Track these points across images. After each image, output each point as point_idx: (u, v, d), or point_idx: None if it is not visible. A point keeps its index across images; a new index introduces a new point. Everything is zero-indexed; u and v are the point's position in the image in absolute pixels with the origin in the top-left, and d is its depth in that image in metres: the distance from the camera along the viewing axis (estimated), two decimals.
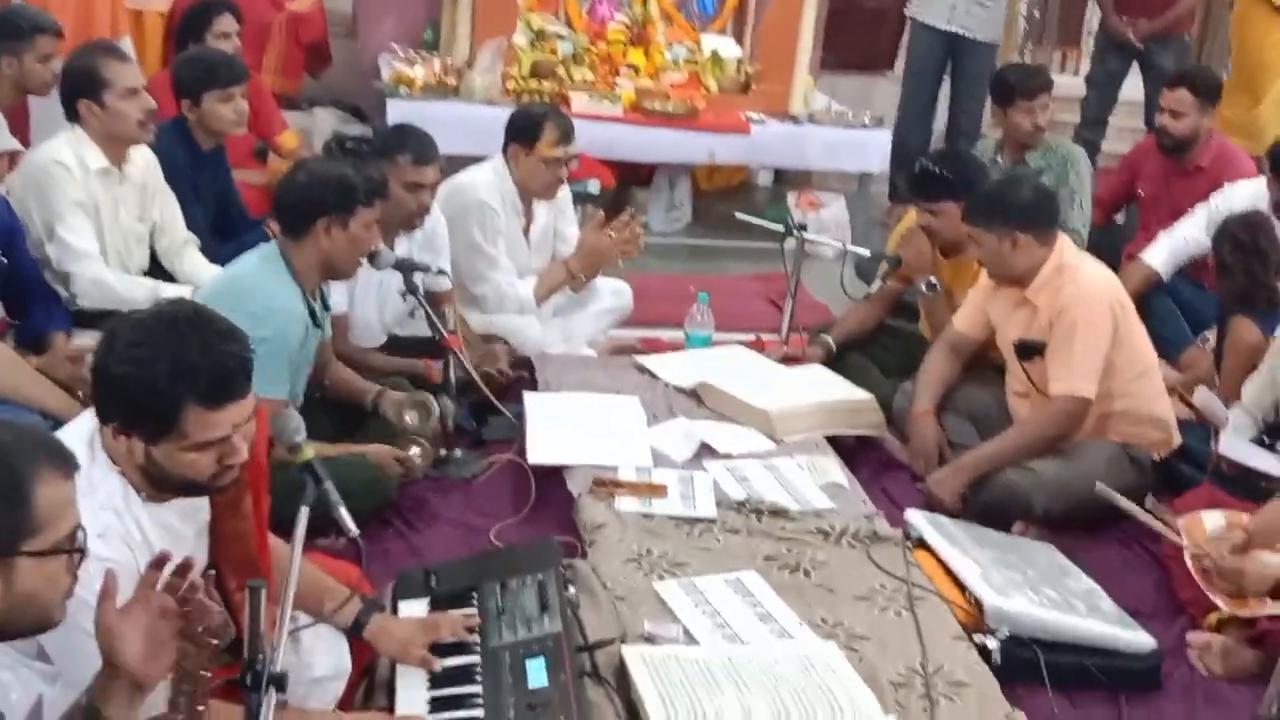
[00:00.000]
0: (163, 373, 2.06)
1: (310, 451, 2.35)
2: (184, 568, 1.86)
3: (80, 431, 2.15)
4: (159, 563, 1.82)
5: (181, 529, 2.26)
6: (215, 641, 1.82)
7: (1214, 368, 4.39)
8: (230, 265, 3.58)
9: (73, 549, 1.62)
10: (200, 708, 1.73)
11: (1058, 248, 3.93)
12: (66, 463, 1.65)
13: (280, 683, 2.03)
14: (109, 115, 3.93)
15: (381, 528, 3.52)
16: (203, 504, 2.30)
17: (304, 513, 2.26)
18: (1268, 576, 3.20)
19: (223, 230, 4.54)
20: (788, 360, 4.63)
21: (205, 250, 4.31)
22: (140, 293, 3.95)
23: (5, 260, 3.63)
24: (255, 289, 3.35)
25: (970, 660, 2.87)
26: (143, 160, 4.13)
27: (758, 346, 4.83)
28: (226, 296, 3.34)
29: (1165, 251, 5.12)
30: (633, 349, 4.84)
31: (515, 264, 4.60)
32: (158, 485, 2.15)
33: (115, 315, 2.30)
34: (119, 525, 2.09)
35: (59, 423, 3.10)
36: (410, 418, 3.69)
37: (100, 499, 2.07)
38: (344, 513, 2.35)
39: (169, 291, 4.00)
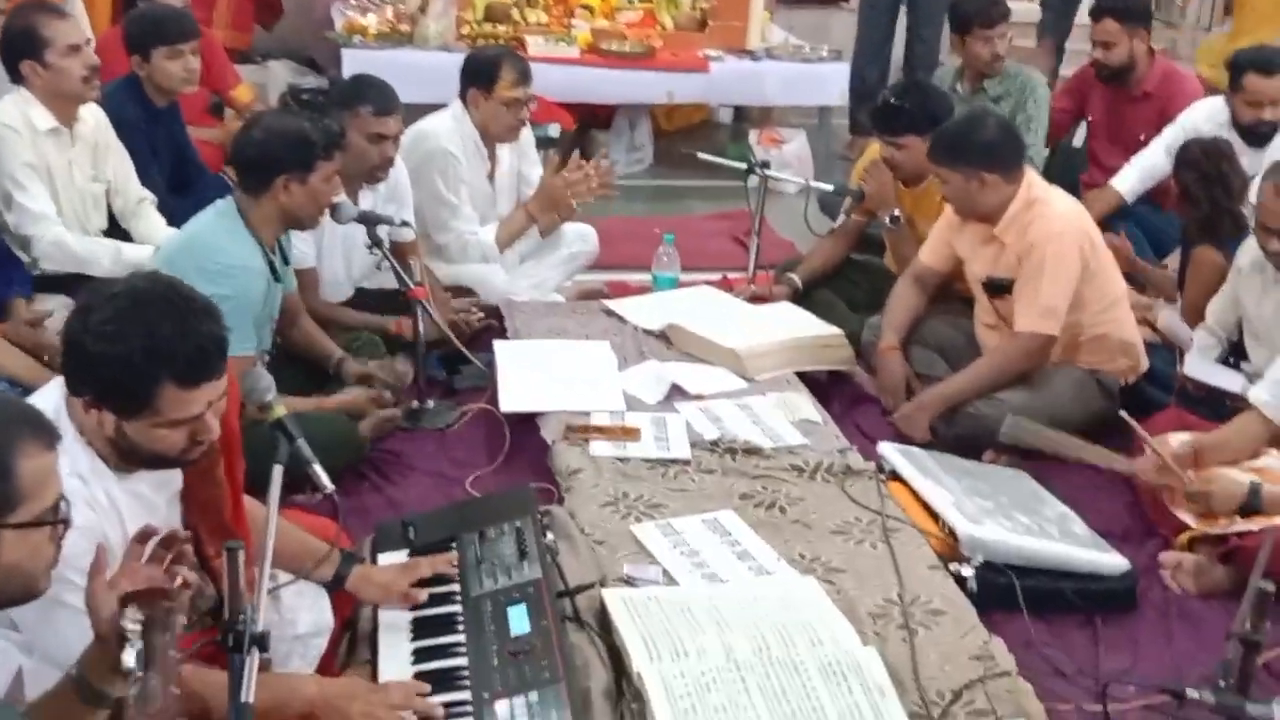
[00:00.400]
0: (139, 351, 2.04)
1: (282, 409, 2.34)
2: (170, 540, 1.85)
3: (47, 401, 2.13)
4: (143, 537, 1.81)
5: (153, 497, 2.24)
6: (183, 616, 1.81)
7: (1177, 291, 4.41)
8: (187, 224, 3.53)
9: (56, 520, 1.61)
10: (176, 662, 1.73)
11: (1026, 182, 3.92)
12: (48, 434, 1.64)
13: (262, 642, 2.02)
14: (52, 74, 3.86)
15: (357, 481, 3.52)
16: (175, 473, 2.28)
17: (278, 472, 2.25)
18: (1234, 495, 3.24)
19: (180, 188, 4.48)
20: (755, 299, 4.63)
21: (164, 208, 4.25)
22: (102, 253, 3.91)
23: None
24: (213, 247, 3.32)
25: (947, 589, 2.89)
26: (93, 119, 4.07)
27: (725, 286, 4.83)
28: (185, 255, 3.32)
29: (1134, 179, 5.13)
30: (600, 293, 4.84)
31: (480, 209, 4.58)
32: (126, 458, 2.13)
33: (86, 285, 2.27)
34: (84, 491, 2.08)
35: (25, 390, 3.10)
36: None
37: (66, 466, 2.04)
38: (318, 469, 2.35)
39: (131, 253, 3.96)
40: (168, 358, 2.06)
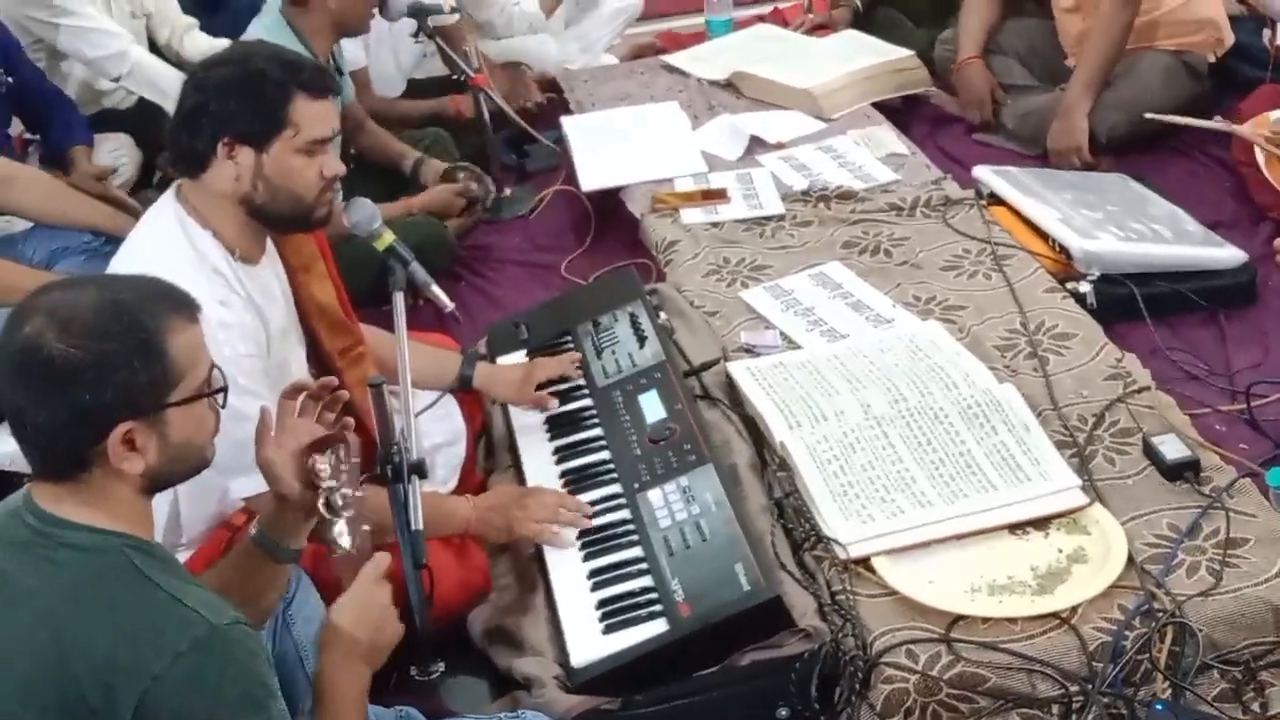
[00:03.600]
0: (266, 64, 2.13)
1: (390, 236, 2.31)
2: (320, 390, 1.84)
3: (165, 213, 2.16)
4: (293, 392, 1.81)
5: (274, 291, 2.25)
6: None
7: None
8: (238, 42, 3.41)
9: (213, 391, 1.61)
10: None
11: None
12: (190, 307, 1.61)
13: (420, 469, 2.05)
14: None
15: (452, 282, 3.47)
16: (282, 272, 2.28)
17: (399, 299, 2.25)
18: None
19: (211, 6, 4.31)
20: (815, 30, 4.47)
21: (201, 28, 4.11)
22: (172, 75, 3.77)
23: (10, 79, 3.48)
24: None
25: (1068, 309, 2.84)
26: None
27: (779, 19, 4.66)
28: None
29: None
30: (653, 48, 4.69)
31: None
32: (261, 216, 2.15)
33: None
34: (232, 295, 2.11)
35: (110, 239, 3.07)
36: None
37: (210, 266, 2.10)
38: (437, 290, 2.34)
39: None
40: (294, 67, 2.15)
